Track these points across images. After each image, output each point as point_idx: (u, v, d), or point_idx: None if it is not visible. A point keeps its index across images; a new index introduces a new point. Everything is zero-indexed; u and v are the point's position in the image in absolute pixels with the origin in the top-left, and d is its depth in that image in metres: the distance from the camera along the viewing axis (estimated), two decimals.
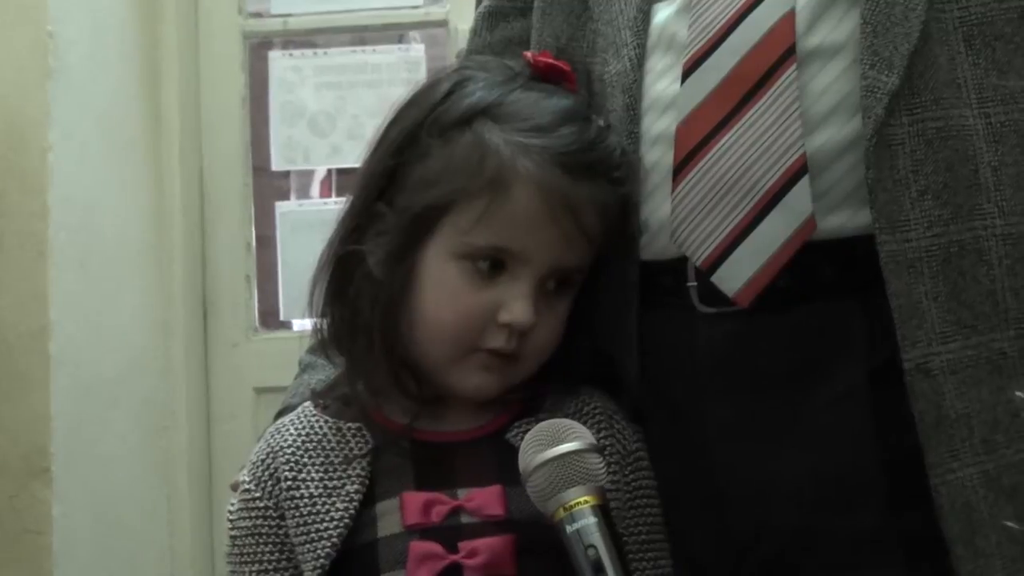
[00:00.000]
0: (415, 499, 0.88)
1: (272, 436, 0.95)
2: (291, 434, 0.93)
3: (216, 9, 2.43)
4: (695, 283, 0.93)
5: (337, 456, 0.91)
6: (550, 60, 0.96)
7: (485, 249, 0.88)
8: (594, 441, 0.82)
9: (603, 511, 0.79)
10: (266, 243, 2.52)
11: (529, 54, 0.97)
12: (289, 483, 0.91)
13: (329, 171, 3.09)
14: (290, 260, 2.46)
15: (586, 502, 0.78)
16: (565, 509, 0.78)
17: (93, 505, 2.02)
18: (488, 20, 1.15)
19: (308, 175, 3.09)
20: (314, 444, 0.92)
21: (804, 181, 0.86)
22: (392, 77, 2.43)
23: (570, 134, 0.90)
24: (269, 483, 0.92)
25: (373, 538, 0.88)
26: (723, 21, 0.91)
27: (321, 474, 0.91)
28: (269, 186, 2.64)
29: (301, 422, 0.94)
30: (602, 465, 0.81)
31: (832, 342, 0.89)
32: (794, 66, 0.87)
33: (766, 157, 0.87)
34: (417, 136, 0.91)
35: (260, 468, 0.93)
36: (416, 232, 0.89)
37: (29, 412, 1.92)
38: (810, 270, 0.88)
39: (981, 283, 0.85)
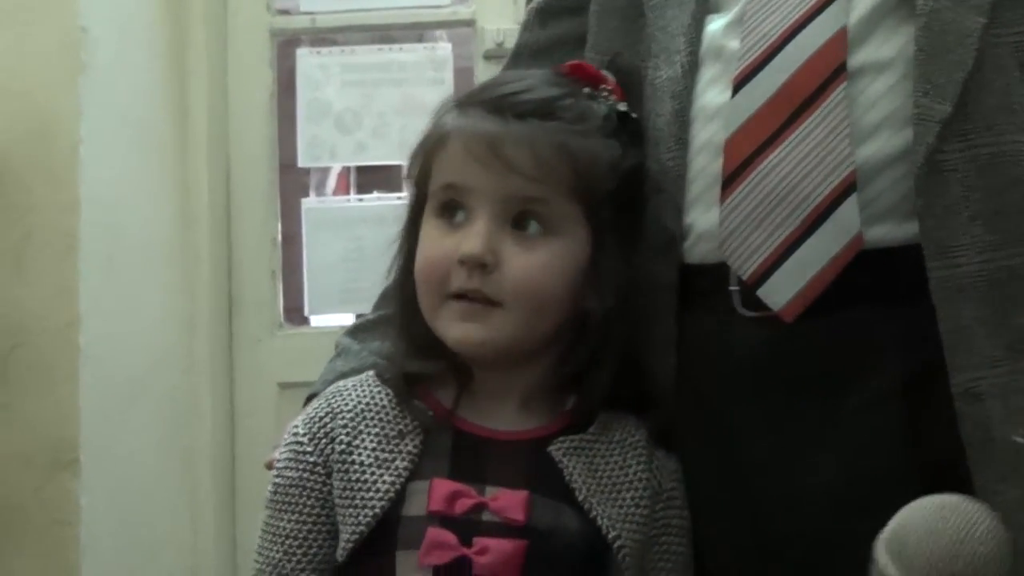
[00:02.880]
0: (443, 487, 0.90)
1: (334, 397, 0.97)
2: (352, 399, 0.96)
3: (244, 6, 2.44)
4: (737, 287, 0.93)
5: (392, 429, 0.94)
6: (576, 64, 1.00)
7: (438, 193, 0.95)
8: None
9: None
10: (291, 239, 2.53)
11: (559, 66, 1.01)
12: (343, 447, 0.93)
13: (346, 168, 3.11)
14: (315, 256, 2.47)
15: None
16: None
17: (119, 497, 2.04)
18: (540, 16, 1.16)
19: (325, 171, 3.11)
20: (373, 413, 0.95)
21: (853, 197, 0.87)
22: (418, 76, 2.44)
23: (512, 86, 0.95)
24: (323, 441, 0.94)
25: (398, 515, 0.91)
26: (775, 36, 0.92)
27: (375, 444, 0.93)
28: (295, 183, 2.65)
29: (363, 389, 0.97)
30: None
31: (868, 349, 0.90)
32: (845, 83, 0.88)
33: (816, 172, 0.88)
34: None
35: (317, 425, 0.95)
36: (414, 206, 0.98)
37: (57, 404, 1.93)
38: (850, 277, 0.89)
39: None
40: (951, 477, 0.86)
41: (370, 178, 3.13)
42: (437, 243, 0.94)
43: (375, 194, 2.78)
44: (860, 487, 0.89)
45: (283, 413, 2.40)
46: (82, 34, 1.97)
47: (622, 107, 0.97)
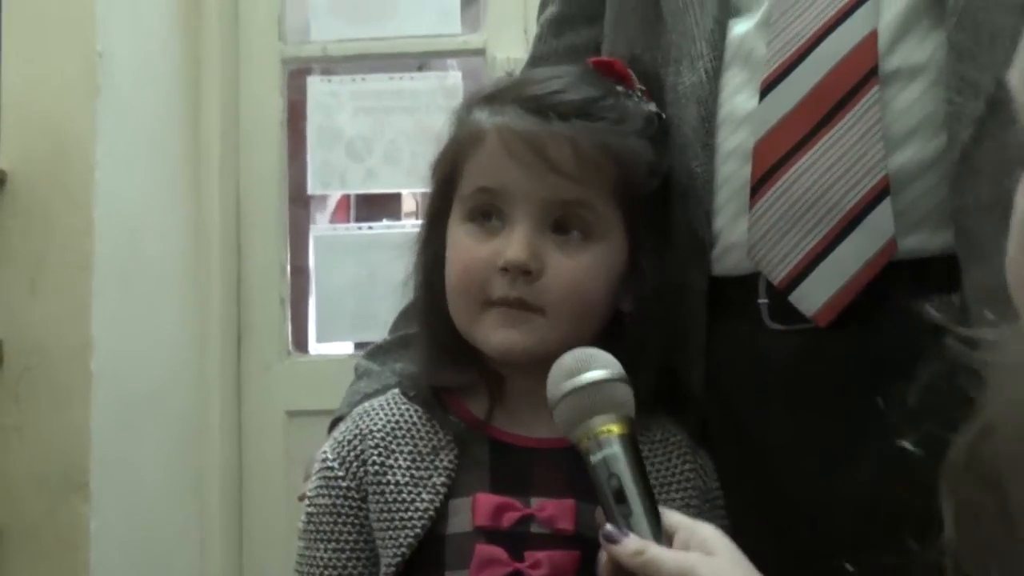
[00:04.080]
0: (488, 501, 0.88)
1: (361, 418, 0.94)
2: (380, 418, 0.93)
3: (256, 34, 2.46)
4: (766, 300, 0.93)
5: (425, 446, 0.91)
6: (607, 60, 0.98)
7: (472, 197, 0.92)
8: (621, 371, 0.80)
9: (630, 440, 0.77)
10: (300, 266, 2.53)
11: (591, 60, 0.99)
12: (377, 468, 0.91)
13: (347, 196, 3.11)
14: (323, 283, 2.47)
15: (611, 431, 0.77)
16: (590, 437, 0.77)
17: (128, 521, 2.02)
18: (554, 27, 1.15)
19: (323, 198, 3.11)
20: (403, 431, 0.92)
21: (886, 202, 0.87)
22: (429, 104, 2.45)
23: (548, 83, 0.93)
24: (355, 464, 0.92)
25: (442, 534, 0.88)
26: (804, 39, 0.91)
27: (408, 462, 0.90)
28: (304, 209, 2.66)
29: (390, 407, 0.94)
30: (629, 394, 0.79)
31: (901, 360, 0.89)
32: (877, 87, 0.88)
33: (848, 177, 0.88)
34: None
35: (347, 449, 0.93)
36: (437, 210, 0.95)
37: (69, 426, 1.92)
38: (883, 288, 0.89)
39: None
40: None
41: (369, 206, 3.13)
42: (473, 249, 0.91)
43: (384, 221, 2.79)
44: (894, 497, 0.89)
45: (291, 440, 2.40)
46: (99, 59, 1.98)
47: (654, 108, 0.96)
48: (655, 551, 0.73)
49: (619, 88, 0.95)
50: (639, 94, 0.96)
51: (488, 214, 0.92)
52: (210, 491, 2.32)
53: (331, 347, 2.57)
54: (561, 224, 0.91)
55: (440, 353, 0.94)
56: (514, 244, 0.89)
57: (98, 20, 1.99)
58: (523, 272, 0.89)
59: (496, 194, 0.91)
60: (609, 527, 0.75)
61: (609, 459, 0.76)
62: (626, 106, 0.94)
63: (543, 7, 1.19)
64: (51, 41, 1.96)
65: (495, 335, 0.90)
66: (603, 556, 0.76)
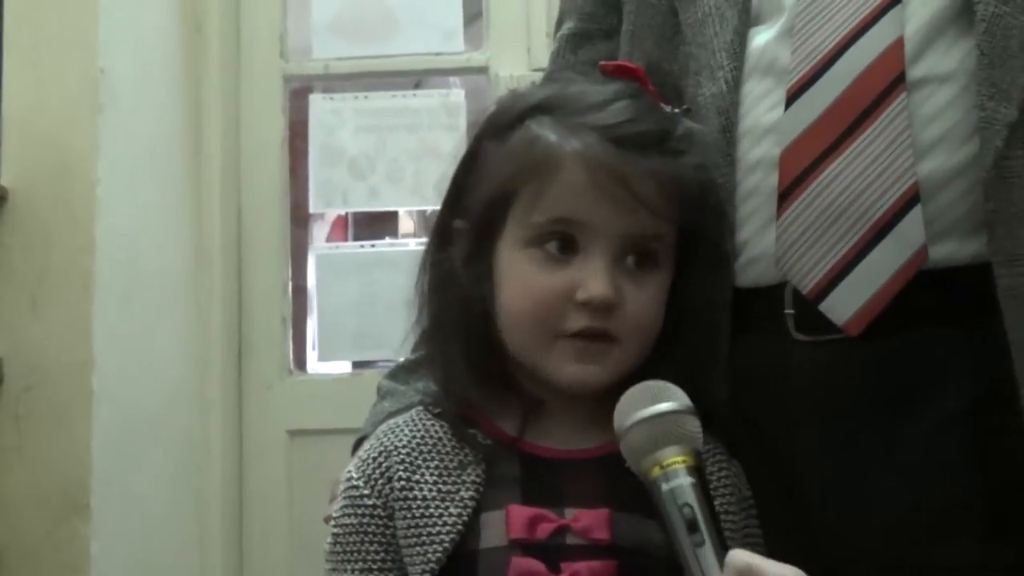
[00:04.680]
0: (521, 513, 0.87)
1: (386, 435, 0.93)
2: (406, 435, 0.92)
3: (258, 52, 2.46)
4: (792, 310, 0.92)
5: (452, 461, 0.90)
6: (619, 63, 0.97)
7: (546, 225, 0.88)
8: (690, 404, 0.80)
9: (698, 472, 0.78)
10: (300, 285, 2.52)
11: (601, 63, 0.98)
12: (403, 483, 0.89)
13: (345, 215, 3.10)
14: (324, 302, 2.46)
15: (683, 462, 0.77)
16: (661, 468, 0.77)
17: (129, 542, 2.00)
18: (572, 42, 1.15)
19: (320, 216, 3.10)
20: (429, 447, 0.91)
21: (917, 209, 0.86)
22: (432, 122, 2.45)
23: (618, 109, 0.90)
24: (380, 481, 0.90)
25: (475, 548, 0.87)
26: (829, 47, 0.91)
27: (435, 477, 0.89)
28: (304, 228, 2.65)
29: (415, 424, 0.93)
30: (698, 427, 0.80)
31: (932, 371, 0.88)
32: (904, 94, 0.87)
33: (877, 184, 0.87)
34: (479, 146, 0.94)
35: (372, 466, 0.91)
36: (485, 229, 0.91)
37: (70, 446, 1.90)
38: (912, 298, 0.87)
39: None
40: (1018, 500, 0.85)
41: (367, 225, 3.12)
42: (543, 279, 0.88)
43: (386, 240, 2.78)
44: (926, 512, 0.87)
45: (292, 460, 2.38)
46: (101, 75, 1.97)
47: (698, 127, 0.95)
48: None
49: (668, 109, 0.94)
50: (683, 112, 0.95)
51: (562, 244, 0.89)
52: (211, 510, 2.30)
53: (332, 366, 2.56)
54: (636, 256, 0.90)
55: (474, 372, 0.92)
56: (598, 279, 0.87)
57: (100, 37, 1.98)
58: (605, 307, 0.87)
59: (575, 225, 0.88)
60: None
61: (679, 490, 0.77)
62: (689, 134, 0.93)
63: (560, 24, 1.18)
64: (53, 58, 1.95)
65: (568, 368, 0.89)
66: None
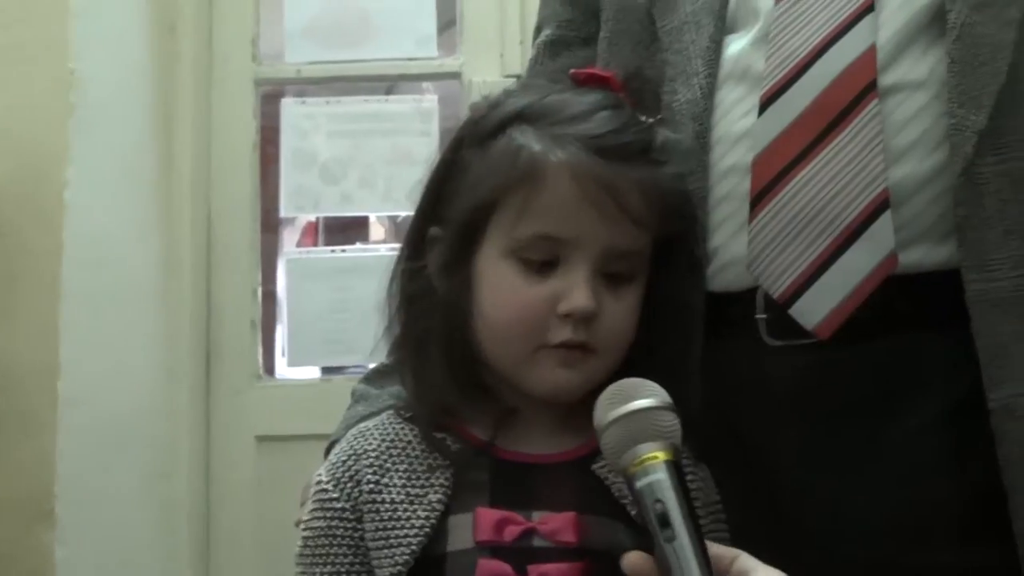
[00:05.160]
0: (489, 516, 0.87)
1: (355, 439, 0.93)
2: (375, 438, 0.92)
3: (230, 55, 2.44)
4: (764, 315, 0.92)
5: (421, 464, 0.90)
6: (591, 71, 0.97)
7: (531, 240, 0.88)
8: (668, 400, 0.81)
9: (675, 467, 0.78)
10: (270, 290, 2.50)
11: (572, 71, 0.97)
12: (372, 486, 0.89)
13: (316, 220, 3.09)
14: (294, 307, 2.45)
15: (657, 457, 0.77)
16: (636, 464, 0.77)
17: (95, 549, 1.98)
18: (550, 49, 1.15)
19: (291, 221, 3.09)
20: (399, 451, 0.91)
21: (887, 215, 0.87)
22: (405, 127, 2.44)
23: (602, 119, 0.90)
24: (349, 485, 0.90)
25: (443, 551, 0.87)
26: (803, 54, 0.92)
27: (404, 480, 0.89)
28: (275, 233, 2.64)
29: (385, 428, 0.93)
30: (676, 423, 0.80)
31: (907, 376, 0.89)
32: (876, 100, 0.88)
33: (848, 190, 0.88)
34: (458, 154, 0.93)
35: (341, 469, 0.91)
36: (465, 238, 0.91)
37: (35, 452, 1.89)
38: (884, 303, 0.88)
39: None
40: (997, 502, 0.85)
41: (338, 231, 3.11)
42: (526, 290, 0.88)
43: (357, 245, 2.77)
44: (904, 517, 0.88)
45: (261, 466, 2.36)
46: (72, 76, 1.96)
47: (675, 136, 0.95)
48: None
49: (643, 118, 0.94)
50: (656, 121, 0.95)
51: (546, 257, 0.89)
52: (178, 516, 2.28)
53: (301, 372, 2.55)
54: (615, 269, 0.90)
55: (450, 379, 0.92)
56: (581, 291, 0.87)
57: (72, 39, 1.97)
58: (586, 318, 0.88)
59: (559, 241, 0.88)
60: None
61: (655, 485, 0.77)
62: (667, 143, 0.93)
63: (538, 30, 1.19)
64: (24, 59, 1.94)
65: (551, 375, 0.89)
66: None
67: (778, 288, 0.90)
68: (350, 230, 3.15)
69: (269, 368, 2.48)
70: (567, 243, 0.88)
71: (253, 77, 2.44)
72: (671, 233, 0.92)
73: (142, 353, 2.21)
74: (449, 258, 0.92)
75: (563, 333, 0.88)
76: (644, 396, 0.80)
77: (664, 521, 0.75)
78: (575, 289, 0.87)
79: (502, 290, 0.89)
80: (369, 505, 0.89)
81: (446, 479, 0.89)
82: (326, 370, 2.54)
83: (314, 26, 2.46)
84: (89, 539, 1.96)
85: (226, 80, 2.43)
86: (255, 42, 2.45)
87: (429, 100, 2.48)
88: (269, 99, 2.48)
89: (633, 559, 0.76)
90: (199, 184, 2.38)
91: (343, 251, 2.54)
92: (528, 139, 0.89)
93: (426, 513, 0.88)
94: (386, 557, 0.87)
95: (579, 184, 0.87)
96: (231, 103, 2.43)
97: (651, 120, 0.94)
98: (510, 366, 0.90)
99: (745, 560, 0.76)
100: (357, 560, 0.89)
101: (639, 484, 0.77)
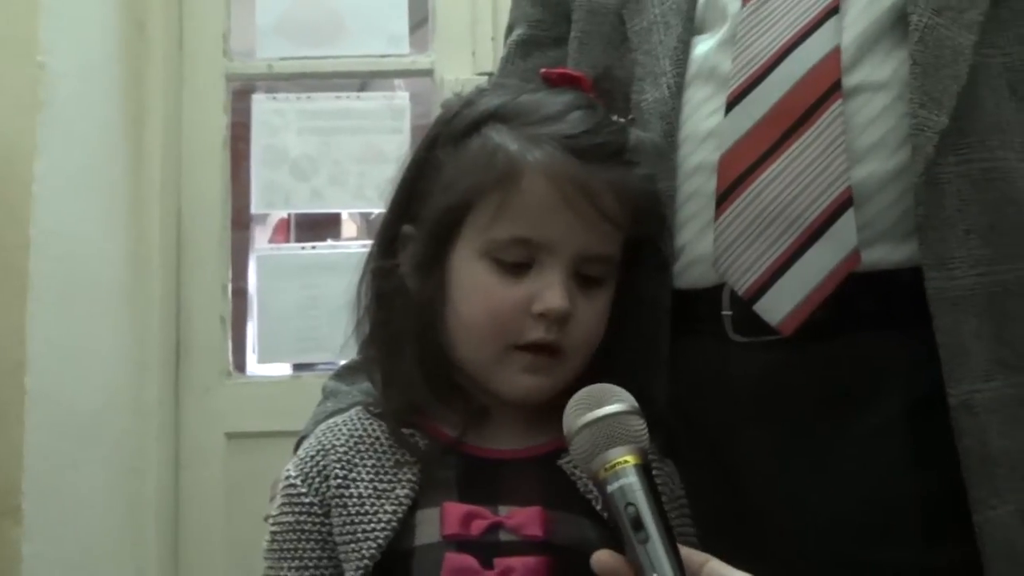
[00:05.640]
0: (456, 510, 0.87)
1: (324, 434, 0.93)
2: (343, 434, 0.92)
3: (201, 50, 2.44)
4: (730, 312, 0.93)
5: (388, 460, 0.90)
6: (562, 71, 0.97)
7: (507, 242, 0.88)
8: (636, 404, 0.81)
9: (645, 470, 0.79)
10: (241, 287, 2.50)
11: (543, 70, 0.98)
12: (339, 481, 0.90)
13: (287, 217, 3.09)
14: (265, 304, 2.45)
15: (627, 462, 0.78)
16: (607, 469, 0.78)
17: (62, 546, 1.97)
18: (521, 49, 1.15)
19: (262, 218, 3.08)
20: (367, 446, 0.91)
21: (850, 213, 0.88)
22: (376, 124, 2.45)
23: (576, 119, 0.90)
24: (317, 480, 0.91)
25: (411, 546, 0.87)
26: (769, 55, 0.93)
27: (371, 475, 0.90)
28: (246, 230, 2.63)
29: (354, 423, 0.94)
30: (643, 427, 0.81)
31: (870, 373, 0.90)
32: (840, 101, 0.89)
33: (811, 188, 0.89)
34: (432, 152, 0.93)
35: (309, 464, 0.91)
36: (439, 238, 0.91)
37: (2, 448, 1.88)
38: (848, 301, 0.89)
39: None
40: (960, 500, 0.86)
41: (310, 227, 3.11)
42: (501, 292, 0.88)
43: (328, 242, 2.77)
44: (867, 514, 0.89)
45: (230, 463, 2.36)
46: (40, 71, 1.95)
47: (648, 136, 0.96)
48: None
49: (613, 117, 0.94)
50: (627, 121, 0.96)
51: (522, 259, 0.89)
52: (147, 513, 2.27)
53: (271, 368, 2.54)
54: (588, 272, 0.90)
55: (421, 378, 0.92)
56: (555, 292, 0.88)
57: (40, 33, 1.96)
58: (559, 319, 0.88)
59: (535, 243, 0.88)
60: None
61: (626, 488, 0.77)
62: (640, 145, 0.93)
63: (510, 30, 1.19)
64: None
65: (521, 380, 0.90)
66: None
67: (743, 285, 0.91)
68: (322, 227, 3.15)
69: (239, 365, 2.47)
70: (543, 246, 0.88)
71: (224, 72, 2.44)
72: (642, 234, 0.93)
73: (111, 349, 2.20)
74: (423, 257, 0.92)
75: (535, 332, 0.88)
76: (612, 402, 0.81)
77: (637, 524, 0.76)
78: (549, 290, 0.88)
79: (476, 290, 0.89)
80: (337, 500, 0.89)
81: (413, 475, 0.89)
82: (297, 367, 2.54)
83: (286, 22, 2.46)
84: (57, 535, 1.95)
85: (196, 75, 2.43)
86: (226, 37, 2.45)
87: (401, 97, 2.49)
88: (240, 95, 2.48)
89: (603, 557, 0.77)
90: (169, 179, 2.38)
91: (314, 248, 2.54)
92: (504, 139, 0.89)
93: (393, 508, 0.88)
94: (353, 551, 0.87)
95: (556, 185, 0.87)
96: (201, 98, 2.42)
97: (623, 120, 0.95)
98: (480, 367, 0.91)
99: (715, 566, 0.76)
100: (325, 555, 0.90)
101: (611, 488, 0.78)
